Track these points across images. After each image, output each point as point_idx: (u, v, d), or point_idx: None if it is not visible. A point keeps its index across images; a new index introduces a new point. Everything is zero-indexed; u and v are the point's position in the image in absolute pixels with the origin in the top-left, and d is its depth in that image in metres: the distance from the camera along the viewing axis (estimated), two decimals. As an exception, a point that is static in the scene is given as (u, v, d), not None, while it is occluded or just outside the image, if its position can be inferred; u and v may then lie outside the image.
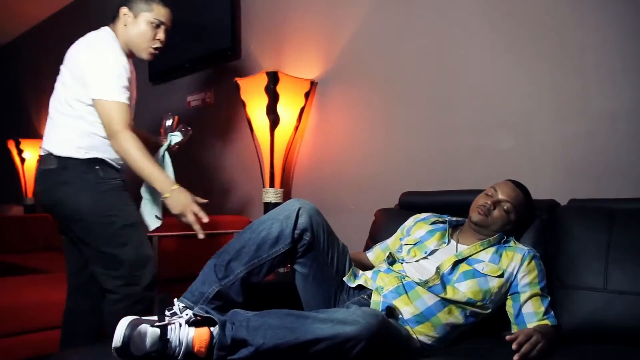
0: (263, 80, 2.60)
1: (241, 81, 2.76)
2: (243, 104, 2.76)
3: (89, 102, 1.78)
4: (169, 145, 2.04)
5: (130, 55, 1.90)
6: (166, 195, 1.65)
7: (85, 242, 1.83)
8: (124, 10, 1.86)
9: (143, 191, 1.99)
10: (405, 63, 2.40)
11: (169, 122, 2.07)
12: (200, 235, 1.71)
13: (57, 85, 1.88)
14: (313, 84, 2.75)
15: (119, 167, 1.89)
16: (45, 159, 1.83)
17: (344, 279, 1.61)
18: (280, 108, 2.63)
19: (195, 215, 1.70)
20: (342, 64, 2.67)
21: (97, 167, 1.80)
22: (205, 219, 1.58)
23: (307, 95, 2.72)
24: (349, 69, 2.64)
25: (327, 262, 1.60)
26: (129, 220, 1.80)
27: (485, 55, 2.12)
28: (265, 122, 2.65)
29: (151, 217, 1.98)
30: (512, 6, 2.04)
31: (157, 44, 1.88)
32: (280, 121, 2.65)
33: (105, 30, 1.87)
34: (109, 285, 1.81)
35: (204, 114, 3.46)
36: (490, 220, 1.63)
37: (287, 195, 2.88)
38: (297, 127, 2.74)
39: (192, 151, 3.49)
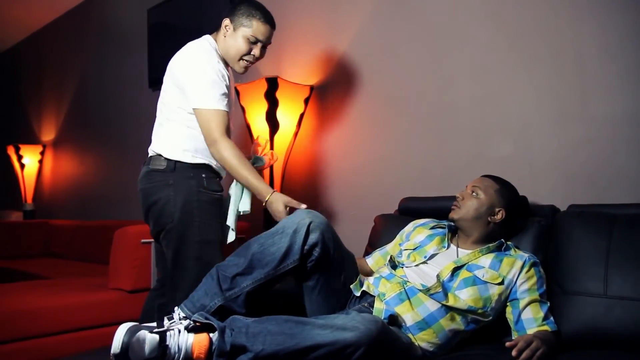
0: (262, 86, 2.60)
1: (240, 87, 2.76)
2: (242, 110, 2.77)
3: (190, 110, 1.80)
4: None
5: (226, 64, 1.91)
6: (264, 203, 1.71)
7: (165, 244, 1.84)
8: (226, 21, 1.85)
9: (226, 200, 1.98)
10: (404, 69, 2.40)
11: (260, 144, 2.10)
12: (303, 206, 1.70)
13: (162, 93, 1.90)
14: (312, 90, 2.76)
15: (222, 173, 1.91)
16: (155, 160, 1.84)
17: (351, 286, 1.61)
18: (280, 114, 2.64)
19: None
20: (341, 70, 2.68)
21: (203, 175, 1.82)
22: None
23: (306, 101, 2.72)
24: (348, 75, 2.65)
25: (335, 275, 1.58)
26: (209, 237, 1.81)
27: (484, 61, 2.12)
28: (265, 128, 2.65)
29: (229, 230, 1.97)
30: (510, 13, 2.05)
31: (251, 59, 1.88)
32: (280, 127, 2.65)
33: (205, 39, 1.88)
34: (171, 297, 1.82)
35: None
36: (463, 210, 1.64)
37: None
38: (296, 133, 2.75)
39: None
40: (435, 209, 1.94)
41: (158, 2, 3.85)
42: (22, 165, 5.47)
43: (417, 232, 1.79)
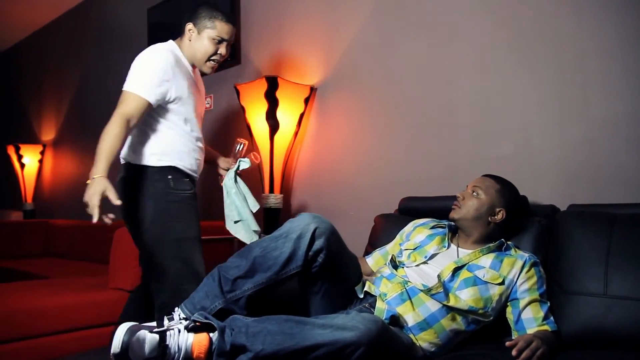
0: (262, 85, 2.60)
1: (240, 87, 2.76)
2: (242, 110, 2.77)
3: (151, 114, 1.87)
4: (237, 169, 2.05)
5: (195, 67, 1.99)
6: (89, 180, 1.68)
7: (144, 249, 1.90)
8: (189, 26, 1.93)
9: (238, 209, 2.00)
10: (404, 69, 2.40)
11: (239, 147, 2.08)
12: (93, 220, 1.64)
13: None
14: (313, 89, 2.76)
15: (193, 174, 1.96)
16: (125, 167, 1.91)
17: (355, 288, 1.61)
18: (280, 114, 2.64)
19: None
20: (341, 70, 2.68)
21: (169, 177, 1.86)
22: (94, 220, 1.60)
23: (306, 101, 2.72)
24: (348, 75, 2.64)
25: (340, 280, 1.58)
26: (185, 234, 1.85)
27: (485, 61, 2.12)
28: (265, 128, 2.65)
29: (249, 233, 2.01)
30: (511, 13, 2.05)
31: (218, 58, 1.95)
32: (280, 127, 2.65)
33: (166, 43, 1.95)
34: (157, 301, 1.86)
35: (203, 120, 3.46)
36: (464, 210, 1.64)
37: (286, 201, 2.88)
38: (296, 133, 2.75)
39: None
40: (435, 208, 1.94)
41: (158, 1, 3.85)
42: (22, 165, 5.47)
43: (417, 232, 1.78)
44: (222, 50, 1.94)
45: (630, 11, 1.77)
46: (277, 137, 2.66)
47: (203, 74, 2.05)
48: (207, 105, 3.46)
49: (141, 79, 1.79)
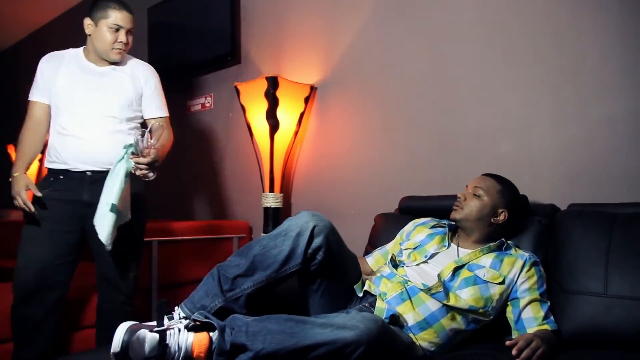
0: (263, 85, 2.60)
1: (241, 86, 2.76)
2: (243, 109, 2.77)
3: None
4: (127, 150, 1.79)
5: (105, 58, 2.05)
6: (12, 177, 2.00)
7: None
8: (86, 21, 2.03)
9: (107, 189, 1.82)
10: (404, 69, 2.40)
11: (150, 127, 1.81)
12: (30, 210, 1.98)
13: None
14: (313, 89, 2.75)
15: (62, 169, 2.03)
16: None
17: (355, 287, 1.61)
18: (280, 113, 2.64)
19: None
20: (341, 69, 2.68)
21: (51, 179, 2.02)
22: (30, 209, 1.94)
23: (306, 100, 2.72)
24: (348, 74, 2.64)
25: (339, 278, 1.58)
26: (25, 232, 2.05)
27: (484, 60, 2.12)
28: (265, 127, 2.65)
29: (108, 227, 1.81)
30: (510, 12, 2.05)
31: (120, 46, 2.00)
32: (280, 126, 2.65)
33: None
34: None
35: (204, 119, 3.46)
36: (466, 211, 1.63)
37: (287, 200, 2.88)
38: (296, 132, 2.75)
39: (191, 156, 3.49)
40: (435, 208, 1.94)
41: (158, 1, 3.85)
42: (22, 165, 5.45)
43: (417, 231, 1.78)
44: (122, 37, 1.98)
45: (630, 11, 1.77)
46: (277, 136, 2.66)
47: (114, 63, 2.05)
48: (208, 105, 3.46)
49: (33, 84, 2.04)
